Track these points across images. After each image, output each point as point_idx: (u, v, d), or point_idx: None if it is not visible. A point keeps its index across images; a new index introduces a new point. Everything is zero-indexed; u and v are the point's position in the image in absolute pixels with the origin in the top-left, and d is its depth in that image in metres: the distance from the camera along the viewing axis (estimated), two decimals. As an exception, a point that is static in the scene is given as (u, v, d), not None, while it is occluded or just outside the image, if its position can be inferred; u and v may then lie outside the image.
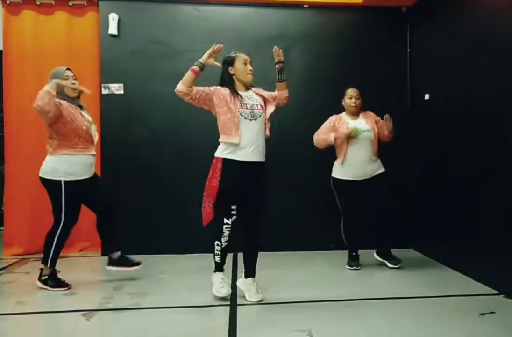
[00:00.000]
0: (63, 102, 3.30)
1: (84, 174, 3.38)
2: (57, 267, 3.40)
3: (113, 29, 4.47)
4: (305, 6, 4.69)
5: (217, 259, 3.10)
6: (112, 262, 3.61)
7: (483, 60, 3.47)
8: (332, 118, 3.98)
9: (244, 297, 3.09)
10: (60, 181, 3.28)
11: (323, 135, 3.93)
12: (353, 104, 3.90)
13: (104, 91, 4.50)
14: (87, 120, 3.41)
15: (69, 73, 3.38)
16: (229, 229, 3.04)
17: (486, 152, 3.42)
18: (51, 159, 3.33)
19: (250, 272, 3.12)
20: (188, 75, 2.94)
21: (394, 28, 4.76)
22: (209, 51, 2.97)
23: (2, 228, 5.06)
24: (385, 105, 4.48)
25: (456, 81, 3.84)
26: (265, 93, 3.20)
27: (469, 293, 3.21)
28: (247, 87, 3.14)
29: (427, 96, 4.32)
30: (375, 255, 4.05)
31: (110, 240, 3.63)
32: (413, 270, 3.86)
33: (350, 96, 3.92)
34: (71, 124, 3.28)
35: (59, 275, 3.42)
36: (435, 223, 4.19)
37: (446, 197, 4.00)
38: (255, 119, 3.03)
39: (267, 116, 3.13)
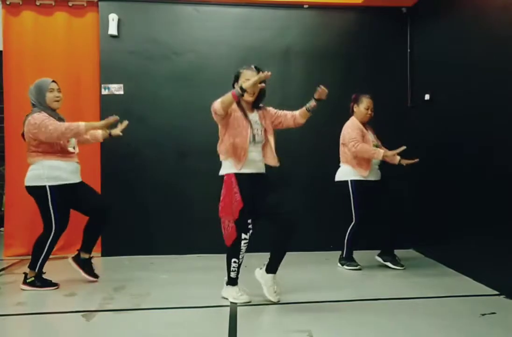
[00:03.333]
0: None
1: (69, 178, 3.38)
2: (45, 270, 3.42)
3: (113, 29, 4.47)
4: (305, 6, 4.69)
5: (233, 275, 3.08)
6: (76, 259, 3.57)
7: (483, 60, 3.46)
8: (358, 123, 3.92)
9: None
10: (44, 186, 3.29)
11: (368, 147, 3.82)
12: (368, 115, 3.94)
13: (104, 92, 4.50)
14: None
15: (54, 85, 3.40)
16: (247, 244, 3.03)
17: (487, 152, 3.41)
18: (33, 167, 3.36)
19: (273, 269, 3.09)
20: (229, 100, 2.84)
21: (394, 28, 4.76)
22: (256, 79, 2.80)
23: (2, 229, 5.06)
24: (385, 106, 4.49)
25: (456, 82, 3.83)
26: (270, 116, 3.17)
27: (469, 293, 3.21)
28: (253, 107, 3.12)
29: (427, 97, 4.31)
30: (377, 257, 4.02)
31: (91, 244, 3.60)
32: (414, 270, 3.86)
33: (367, 107, 3.92)
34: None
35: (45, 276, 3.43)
36: (436, 223, 4.19)
37: (446, 197, 3.99)
38: (258, 143, 3.08)
39: (272, 143, 3.14)
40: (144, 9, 4.57)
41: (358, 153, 3.84)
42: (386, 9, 4.70)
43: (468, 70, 3.66)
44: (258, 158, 3.09)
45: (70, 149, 3.44)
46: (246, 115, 3.04)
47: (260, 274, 3.13)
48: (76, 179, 3.45)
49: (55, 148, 3.34)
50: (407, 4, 4.67)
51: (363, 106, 3.93)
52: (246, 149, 2.99)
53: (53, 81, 3.42)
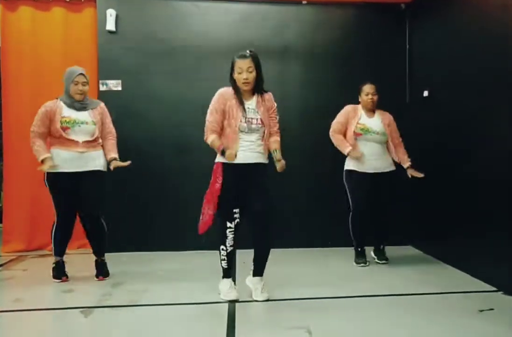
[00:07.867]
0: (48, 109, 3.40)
1: (65, 167, 3.37)
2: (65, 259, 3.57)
3: (110, 25, 4.44)
4: (303, 2, 4.66)
5: (224, 264, 3.05)
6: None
7: (482, 56, 3.46)
8: (348, 109, 3.94)
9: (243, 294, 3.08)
10: (44, 173, 3.41)
11: (339, 140, 3.90)
12: (369, 100, 3.92)
13: (102, 88, 4.48)
14: (67, 122, 3.38)
15: (79, 78, 3.40)
16: (233, 233, 2.99)
17: (485, 149, 3.41)
18: None
19: (258, 271, 3.07)
20: (214, 147, 2.97)
21: (393, 24, 4.74)
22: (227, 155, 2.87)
23: (0, 225, 5.05)
24: (384, 102, 4.47)
25: (455, 78, 3.82)
26: (267, 108, 3.07)
27: (468, 290, 3.22)
28: (253, 92, 3.04)
29: (426, 93, 4.31)
30: (372, 253, 4.04)
31: (95, 249, 3.60)
32: (412, 267, 3.86)
33: (367, 93, 3.92)
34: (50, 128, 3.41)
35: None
36: (434, 220, 4.19)
37: (445, 194, 3.99)
38: (253, 132, 2.99)
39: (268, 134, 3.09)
40: (142, 5, 4.54)
41: (333, 141, 3.93)
42: (385, 5, 4.68)
43: (467, 67, 3.65)
44: (252, 148, 2.98)
45: (72, 137, 3.40)
46: (241, 103, 2.97)
47: (249, 279, 3.13)
48: (74, 167, 3.40)
49: (56, 137, 3.41)
50: (406, 0, 4.65)
51: (363, 94, 3.94)
52: (235, 140, 2.94)
53: (81, 73, 3.42)
